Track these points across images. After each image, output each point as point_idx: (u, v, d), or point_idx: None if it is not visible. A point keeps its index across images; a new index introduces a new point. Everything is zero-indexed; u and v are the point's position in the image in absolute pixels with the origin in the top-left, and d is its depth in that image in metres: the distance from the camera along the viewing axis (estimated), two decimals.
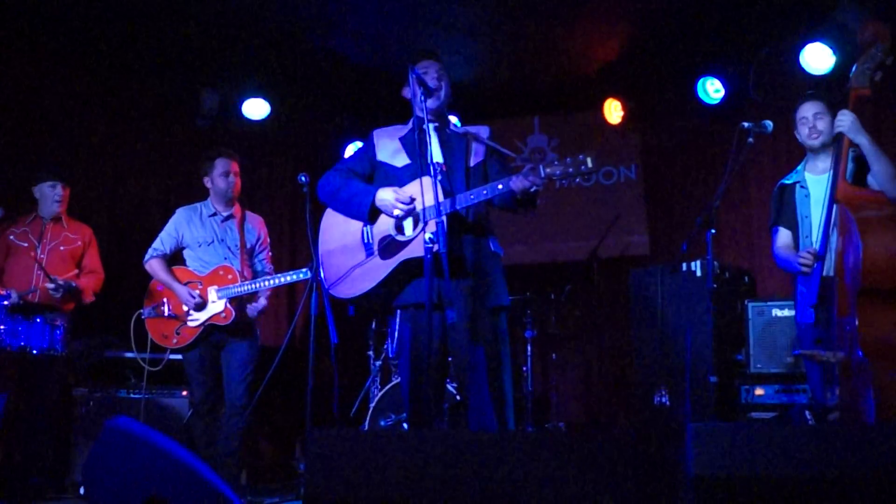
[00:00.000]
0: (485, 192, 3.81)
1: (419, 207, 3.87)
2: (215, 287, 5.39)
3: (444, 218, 3.66)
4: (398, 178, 4.06)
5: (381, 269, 3.98)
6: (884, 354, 3.72)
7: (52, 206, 5.86)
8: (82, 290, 5.77)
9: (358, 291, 4.04)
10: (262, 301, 5.54)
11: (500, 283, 4.04)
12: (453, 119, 4.31)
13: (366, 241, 4.07)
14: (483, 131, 4.19)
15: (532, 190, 3.76)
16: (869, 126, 4.33)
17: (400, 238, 3.96)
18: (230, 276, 5.40)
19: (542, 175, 3.67)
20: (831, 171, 4.20)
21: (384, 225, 4.02)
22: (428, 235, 3.63)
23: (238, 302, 5.40)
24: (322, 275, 4.21)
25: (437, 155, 4.00)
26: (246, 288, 5.36)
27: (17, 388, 5.60)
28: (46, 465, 5.65)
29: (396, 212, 3.93)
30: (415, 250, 3.87)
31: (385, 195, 3.94)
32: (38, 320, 5.42)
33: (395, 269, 3.94)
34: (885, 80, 4.21)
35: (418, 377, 3.92)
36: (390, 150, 4.15)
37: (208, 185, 5.63)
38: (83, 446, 5.93)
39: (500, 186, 3.77)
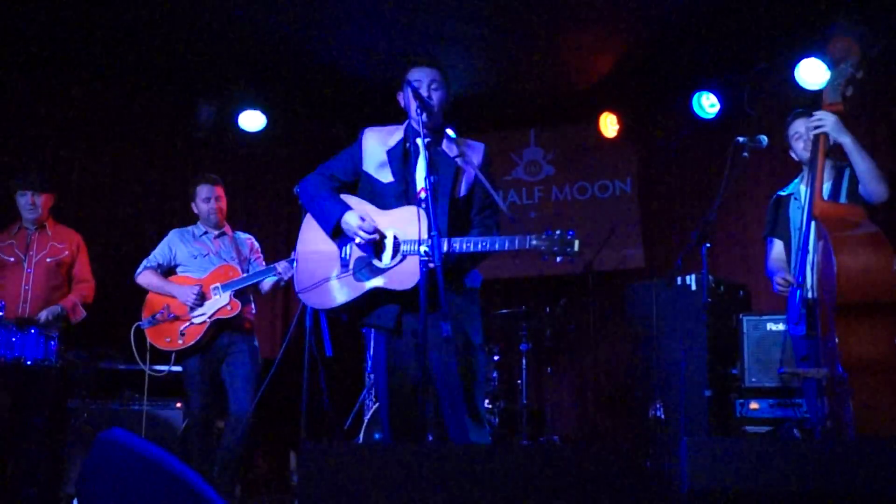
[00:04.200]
0: (470, 244, 3.69)
1: (402, 237, 3.78)
2: (218, 283, 5.44)
3: (436, 233, 3.59)
4: (382, 195, 3.94)
5: (351, 289, 3.87)
6: (863, 369, 3.73)
7: (28, 214, 5.79)
8: (69, 310, 5.71)
9: (325, 305, 3.93)
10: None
11: (472, 322, 3.93)
12: (450, 132, 4.14)
13: (343, 255, 3.94)
14: (478, 150, 4.05)
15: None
16: (861, 139, 4.35)
17: (376, 263, 3.84)
18: (231, 273, 5.48)
19: (527, 246, 3.61)
20: (808, 188, 4.23)
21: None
22: (423, 249, 3.62)
23: (242, 296, 5.49)
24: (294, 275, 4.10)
25: (421, 179, 3.87)
26: (251, 274, 5.47)
27: (11, 399, 5.58)
28: (40, 477, 5.62)
29: (357, 239, 3.84)
30: (389, 282, 3.78)
31: (350, 220, 3.83)
32: (33, 331, 5.40)
33: (365, 294, 3.84)
34: (880, 91, 4.19)
35: (395, 399, 3.87)
36: (376, 161, 4.00)
37: (195, 210, 5.79)
38: (77, 458, 5.90)
39: (480, 245, 3.67)
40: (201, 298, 5.42)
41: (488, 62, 7.30)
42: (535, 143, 8.67)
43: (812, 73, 6.37)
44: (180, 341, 5.42)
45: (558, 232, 3.61)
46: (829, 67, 4.31)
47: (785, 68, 6.57)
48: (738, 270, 7.24)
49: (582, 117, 8.10)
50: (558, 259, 3.65)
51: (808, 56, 6.35)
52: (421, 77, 3.95)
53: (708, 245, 4.51)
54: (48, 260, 5.76)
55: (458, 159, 3.96)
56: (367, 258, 3.87)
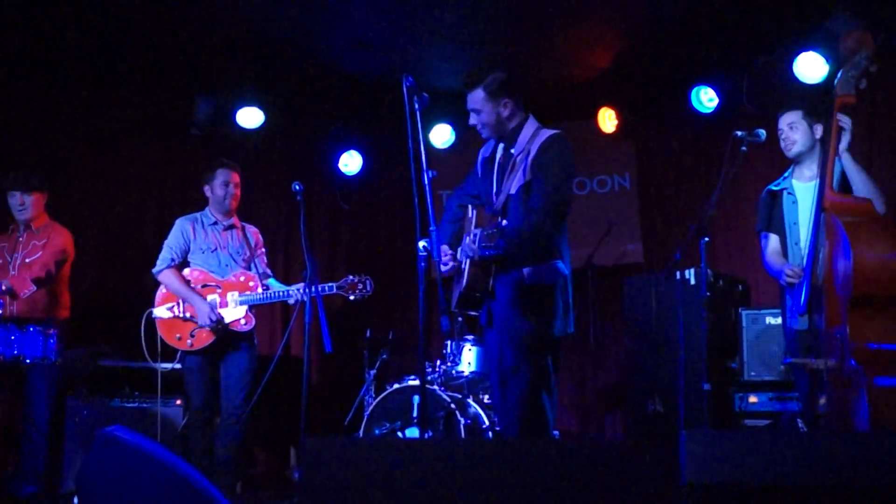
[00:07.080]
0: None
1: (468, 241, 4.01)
2: (236, 293, 5.40)
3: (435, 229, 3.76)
4: (483, 202, 4.27)
5: (457, 291, 4.18)
6: (876, 361, 3.71)
7: (18, 215, 5.79)
8: (13, 287, 5.49)
9: (454, 308, 4.26)
10: None
11: (536, 317, 4.08)
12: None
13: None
14: (538, 139, 4.13)
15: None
16: (862, 134, 4.40)
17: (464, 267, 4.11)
18: (251, 283, 5.44)
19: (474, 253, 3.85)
20: (818, 180, 4.22)
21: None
22: (422, 244, 3.65)
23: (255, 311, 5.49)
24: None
25: (494, 184, 4.18)
26: (269, 294, 5.44)
27: (10, 397, 5.59)
28: (40, 475, 5.63)
29: (444, 267, 4.09)
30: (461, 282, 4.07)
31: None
32: (32, 329, 5.41)
33: None
34: (882, 88, 4.15)
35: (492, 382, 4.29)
36: (479, 171, 4.34)
37: (208, 194, 5.68)
38: (77, 455, 5.91)
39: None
40: (218, 324, 5.36)
41: (486, 58, 7.28)
42: None
43: (810, 67, 6.37)
44: (189, 342, 5.40)
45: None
46: (843, 59, 4.21)
47: (783, 62, 6.56)
48: (737, 264, 7.25)
49: (581, 113, 8.06)
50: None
51: (806, 50, 6.34)
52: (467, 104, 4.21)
53: (707, 239, 4.52)
54: (27, 260, 5.69)
55: (520, 156, 4.09)
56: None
